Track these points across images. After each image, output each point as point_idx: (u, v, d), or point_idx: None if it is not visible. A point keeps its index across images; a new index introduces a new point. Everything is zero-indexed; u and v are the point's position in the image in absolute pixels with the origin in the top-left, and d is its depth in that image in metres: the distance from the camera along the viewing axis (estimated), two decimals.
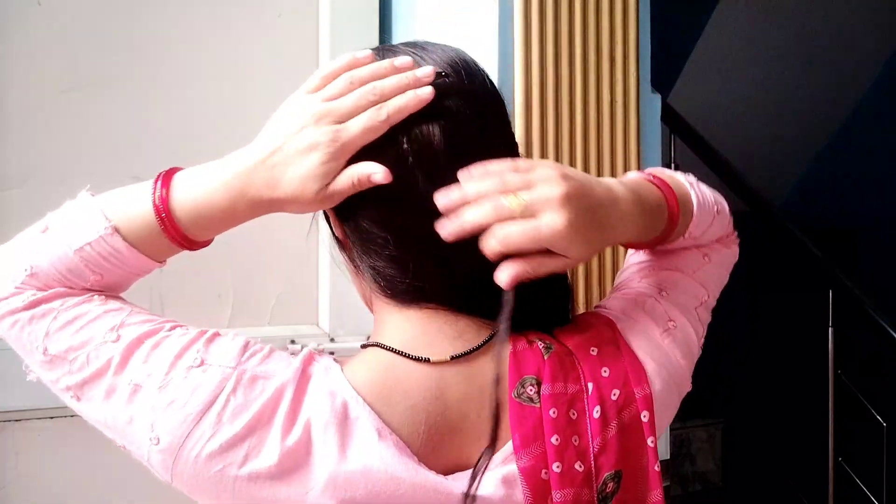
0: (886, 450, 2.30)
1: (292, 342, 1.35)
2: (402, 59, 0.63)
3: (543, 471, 0.61)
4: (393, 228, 0.63)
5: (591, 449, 0.62)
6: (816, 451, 2.44)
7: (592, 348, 0.66)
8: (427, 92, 0.61)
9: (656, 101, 1.48)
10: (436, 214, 0.60)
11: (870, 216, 4.06)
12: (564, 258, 0.60)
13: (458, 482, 0.61)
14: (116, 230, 0.65)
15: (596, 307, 0.75)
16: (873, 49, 3.85)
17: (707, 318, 0.77)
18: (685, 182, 0.77)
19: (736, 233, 0.87)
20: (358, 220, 0.65)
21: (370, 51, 0.68)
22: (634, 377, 0.65)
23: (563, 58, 1.31)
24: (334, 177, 0.61)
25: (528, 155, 1.28)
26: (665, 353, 0.69)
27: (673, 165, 2.76)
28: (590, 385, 0.64)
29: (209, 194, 0.64)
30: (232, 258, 1.35)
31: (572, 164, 1.32)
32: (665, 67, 3.45)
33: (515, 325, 0.63)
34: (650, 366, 0.68)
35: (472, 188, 0.60)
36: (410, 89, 0.61)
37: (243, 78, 1.39)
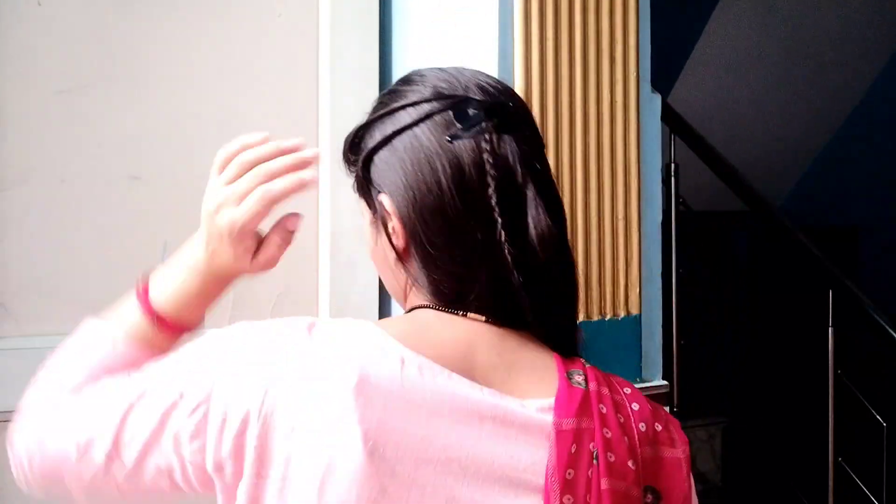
0: (886, 450, 2.30)
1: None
2: (291, 142, 0.71)
3: (573, 445, 0.63)
4: (459, 244, 0.67)
5: (639, 454, 0.65)
6: (816, 451, 2.44)
7: (626, 388, 0.71)
8: (310, 176, 0.70)
9: (656, 101, 1.48)
10: (497, 232, 0.66)
11: (870, 216, 4.06)
12: None
13: (486, 391, 0.64)
14: (122, 340, 0.73)
15: None
16: (873, 49, 3.85)
17: None
18: None
19: None
20: (428, 234, 0.68)
21: (432, 71, 0.72)
22: (678, 433, 0.70)
23: (563, 58, 1.31)
24: (257, 245, 0.72)
25: None
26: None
27: (673, 165, 2.76)
28: (636, 404, 0.68)
29: (183, 286, 0.73)
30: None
31: (572, 164, 1.32)
32: (665, 67, 3.44)
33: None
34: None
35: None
36: (295, 169, 0.70)
37: (243, 78, 1.39)
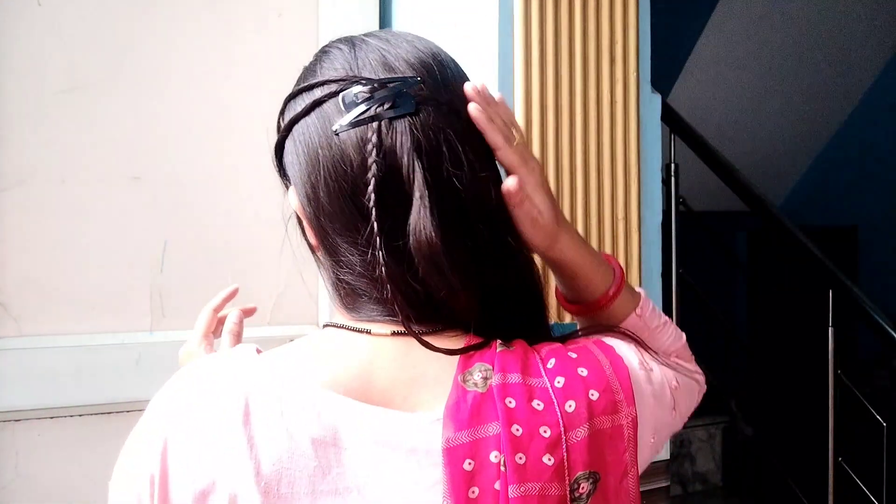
0: (886, 450, 2.30)
1: (292, 342, 1.35)
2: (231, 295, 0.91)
3: (468, 461, 0.57)
4: (360, 243, 0.62)
5: (564, 441, 0.58)
6: (816, 451, 2.44)
7: (572, 352, 0.64)
8: (214, 303, 0.90)
9: (656, 101, 1.48)
10: (399, 234, 0.59)
11: (870, 216, 4.06)
12: (537, 209, 0.67)
13: (374, 410, 0.60)
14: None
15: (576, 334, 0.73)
16: (873, 49, 3.85)
17: (682, 397, 0.74)
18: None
19: (700, 372, 0.86)
20: (327, 230, 0.64)
21: (340, 46, 0.67)
22: (625, 392, 0.63)
23: (563, 58, 1.31)
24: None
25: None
26: (639, 381, 0.66)
27: (673, 165, 2.76)
28: (560, 379, 0.61)
29: None
30: (232, 258, 1.35)
31: (572, 164, 1.32)
32: (665, 67, 3.45)
33: (486, 328, 0.63)
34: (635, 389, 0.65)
35: (502, 107, 0.68)
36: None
37: (243, 78, 1.39)
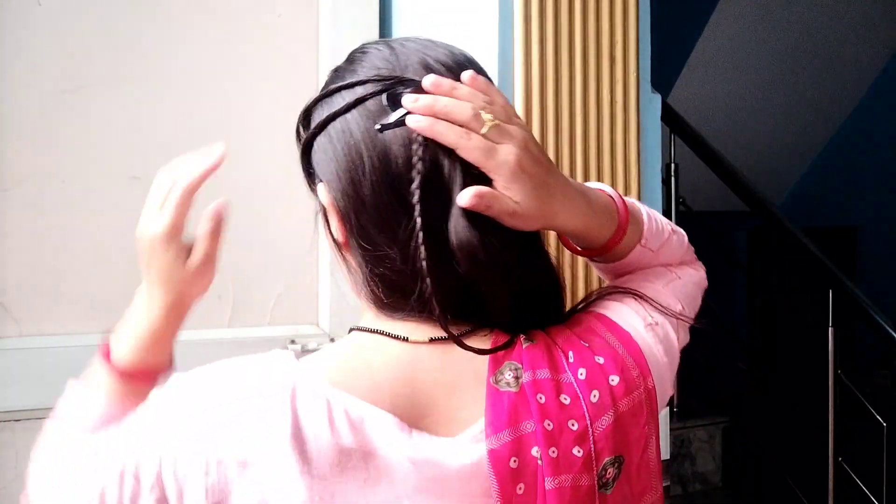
0: (886, 450, 2.30)
1: (292, 342, 1.35)
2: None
3: (513, 459, 0.59)
4: (400, 236, 0.62)
5: (591, 433, 0.61)
6: (816, 451, 2.44)
7: (584, 341, 0.66)
8: (215, 157, 0.72)
9: (656, 101, 1.48)
10: (439, 230, 0.61)
11: (870, 216, 4.07)
12: (514, 202, 0.62)
13: (418, 437, 0.60)
14: (106, 402, 0.73)
15: (578, 306, 0.74)
16: (873, 49, 3.85)
17: (685, 334, 0.76)
18: (634, 201, 0.80)
19: (700, 263, 0.88)
20: (363, 224, 0.64)
21: (379, 46, 0.68)
22: (640, 367, 0.65)
23: (563, 58, 1.31)
24: (185, 253, 0.71)
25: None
26: (650, 347, 0.68)
27: (673, 165, 2.76)
28: (582, 371, 0.63)
29: (137, 334, 0.73)
30: (232, 258, 1.34)
31: (572, 164, 1.32)
32: (665, 67, 3.45)
33: (511, 324, 0.65)
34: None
35: (465, 90, 0.63)
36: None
37: (243, 78, 1.39)
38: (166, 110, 1.33)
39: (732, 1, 3.36)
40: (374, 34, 1.47)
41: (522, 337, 0.65)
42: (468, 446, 0.60)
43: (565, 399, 0.61)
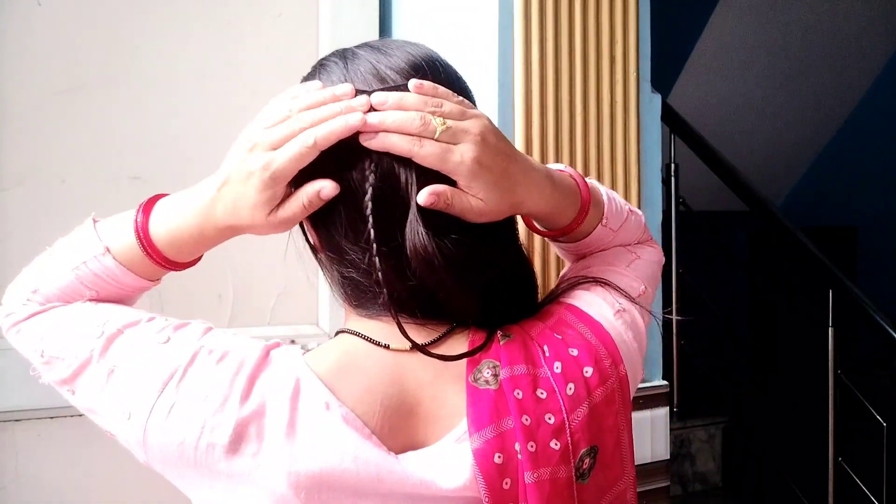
0: (886, 450, 2.30)
1: (292, 342, 1.35)
2: (343, 88, 0.64)
3: (497, 454, 0.60)
4: (361, 244, 0.65)
5: (567, 425, 0.62)
6: (816, 451, 2.44)
7: (557, 334, 0.68)
8: (356, 119, 0.61)
9: (656, 101, 1.48)
10: (399, 228, 0.63)
11: (870, 216, 4.06)
12: (477, 199, 0.63)
13: (406, 461, 0.62)
14: (108, 250, 0.70)
15: (548, 298, 0.76)
16: (873, 49, 3.85)
17: (648, 315, 0.78)
18: (593, 181, 0.81)
19: (656, 242, 0.90)
20: (331, 232, 0.66)
21: (335, 59, 0.69)
22: (612, 356, 0.67)
23: (563, 58, 1.31)
24: (282, 201, 0.64)
25: (528, 155, 1.28)
26: (620, 334, 0.70)
27: (673, 165, 2.76)
28: (557, 364, 0.65)
29: (181, 221, 0.68)
30: (232, 258, 1.35)
31: (572, 164, 1.32)
32: (665, 67, 3.45)
33: (484, 320, 0.67)
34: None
35: (412, 99, 0.63)
36: (341, 115, 0.62)
37: (243, 78, 1.39)
38: (166, 110, 1.33)
39: (732, 1, 3.36)
40: (374, 34, 1.47)
41: (499, 333, 0.67)
42: (453, 449, 0.62)
43: (542, 393, 0.63)
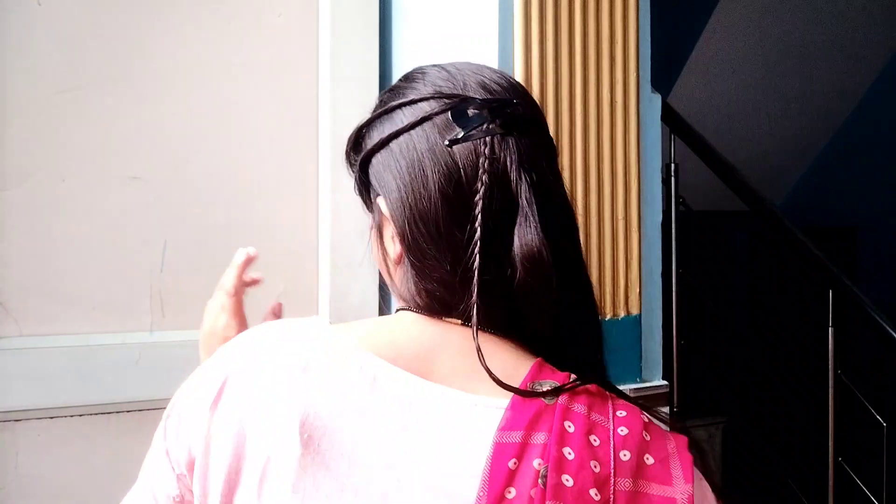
0: (886, 450, 2.30)
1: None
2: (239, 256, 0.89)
3: (513, 461, 0.57)
4: (452, 255, 0.64)
5: (612, 483, 0.57)
6: (816, 451, 2.44)
7: (622, 428, 0.62)
8: (240, 256, 0.88)
9: (656, 101, 1.48)
10: (497, 242, 0.63)
11: (869, 216, 4.06)
12: None
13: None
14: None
15: None
16: (873, 50, 3.85)
17: None
18: None
19: None
20: (420, 243, 0.65)
21: (433, 66, 0.70)
22: (685, 472, 0.60)
23: (563, 58, 1.31)
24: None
25: None
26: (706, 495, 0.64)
27: (673, 165, 2.76)
28: (624, 429, 0.60)
29: None
30: (232, 258, 1.34)
31: (572, 164, 1.32)
32: (665, 67, 3.45)
33: (548, 353, 0.65)
34: None
35: None
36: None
37: (243, 78, 1.39)
38: (166, 110, 1.33)
39: (732, 1, 3.36)
40: (373, 34, 1.47)
41: (573, 376, 0.62)
42: (484, 412, 0.60)
43: (594, 440, 0.59)
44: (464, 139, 0.64)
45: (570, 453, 0.58)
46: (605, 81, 1.35)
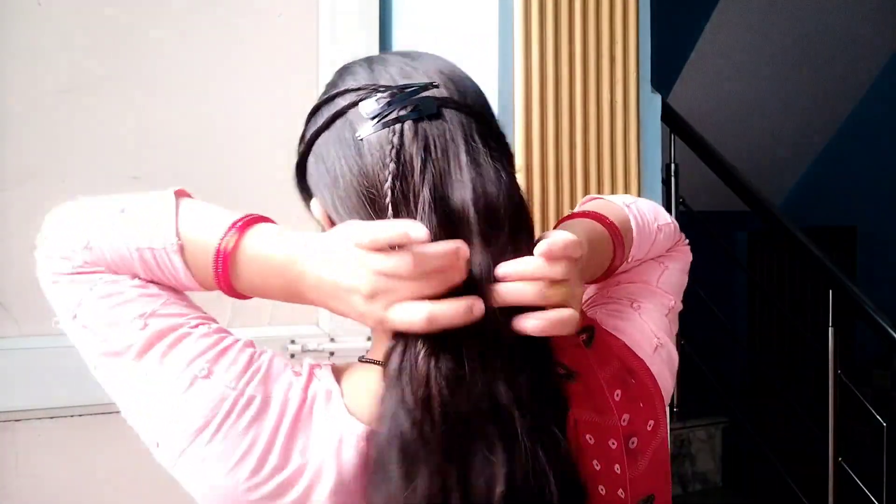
0: (886, 450, 2.30)
1: (292, 342, 1.35)
2: (466, 251, 0.57)
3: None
4: None
5: (627, 478, 0.65)
6: (816, 451, 2.44)
7: (624, 383, 0.67)
8: (479, 311, 0.56)
9: (656, 101, 1.48)
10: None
11: (869, 216, 4.06)
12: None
13: None
14: (182, 249, 0.64)
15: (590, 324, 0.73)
16: (873, 50, 3.85)
17: (675, 326, 0.77)
18: (623, 206, 0.77)
19: (684, 237, 0.86)
20: None
21: (361, 63, 0.68)
22: (660, 404, 0.69)
23: (563, 58, 1.31)
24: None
25: (529, 155, 1.28)
26: (662, 372, 0.71)
27: (673, 165, 2.76)
28: (626, 417, 0.66)
29: (269, 277, 0.62)
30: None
31: (572, 164, 1.32)
32: (665, 67, 3.45)
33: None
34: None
35: (529, 267, 0.58)
36: (463, 304, 0.56)
37: (243, 78, 1.39)
38: (166, 110, 1.33)
39: (732, 1, 3.37)
40: (374, 34, 1.47)
41: (563, 371, 0.61)
42: None
43: (612, 444, 0.64)
44: (373, 130, 0.61)
45: (598, 465, 0.64)
46: (605, 81, 1.35)
